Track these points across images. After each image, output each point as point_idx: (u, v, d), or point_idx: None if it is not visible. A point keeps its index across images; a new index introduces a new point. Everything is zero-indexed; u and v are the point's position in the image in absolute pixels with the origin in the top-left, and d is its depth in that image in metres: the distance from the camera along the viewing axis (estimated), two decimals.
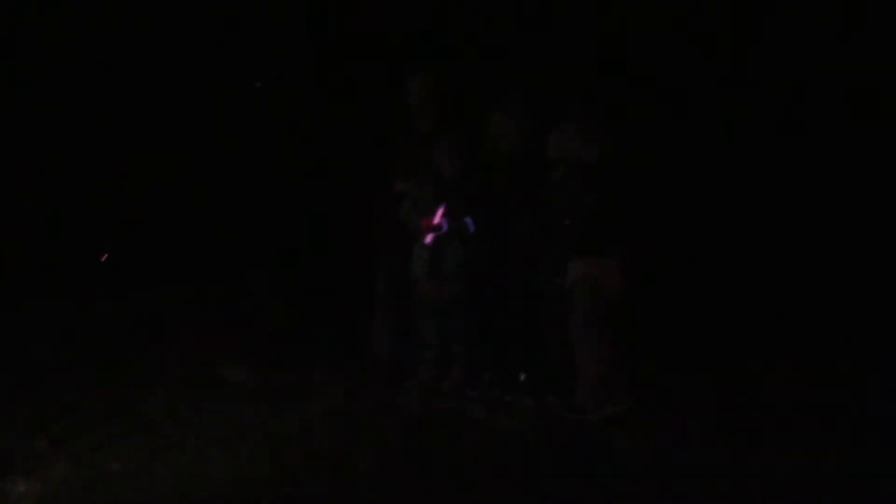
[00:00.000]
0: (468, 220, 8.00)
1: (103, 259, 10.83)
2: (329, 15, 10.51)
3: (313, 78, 10.67)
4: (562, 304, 7.48)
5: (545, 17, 9.46)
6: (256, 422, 7.00)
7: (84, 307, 9.93)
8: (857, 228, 8.75)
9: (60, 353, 8.56)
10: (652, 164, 8.39)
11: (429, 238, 8.08)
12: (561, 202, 7.42)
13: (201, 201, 10.85)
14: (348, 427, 6.95)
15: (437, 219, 8.02)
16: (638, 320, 7.62)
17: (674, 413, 7.32)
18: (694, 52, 9.09)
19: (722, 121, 9.18)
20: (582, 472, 6.18)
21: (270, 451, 6.41)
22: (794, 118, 8.98)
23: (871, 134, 8.72)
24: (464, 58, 9.29)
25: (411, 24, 9.77)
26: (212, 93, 10.72)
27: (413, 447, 6.66)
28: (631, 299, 7.38)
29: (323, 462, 6.27)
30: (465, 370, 8.05)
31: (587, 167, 7.33)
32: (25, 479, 5.84)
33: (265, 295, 10.34)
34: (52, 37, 10.66)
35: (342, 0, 10.39)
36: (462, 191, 8.04)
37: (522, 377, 7.83)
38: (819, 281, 8.76)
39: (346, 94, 10.28)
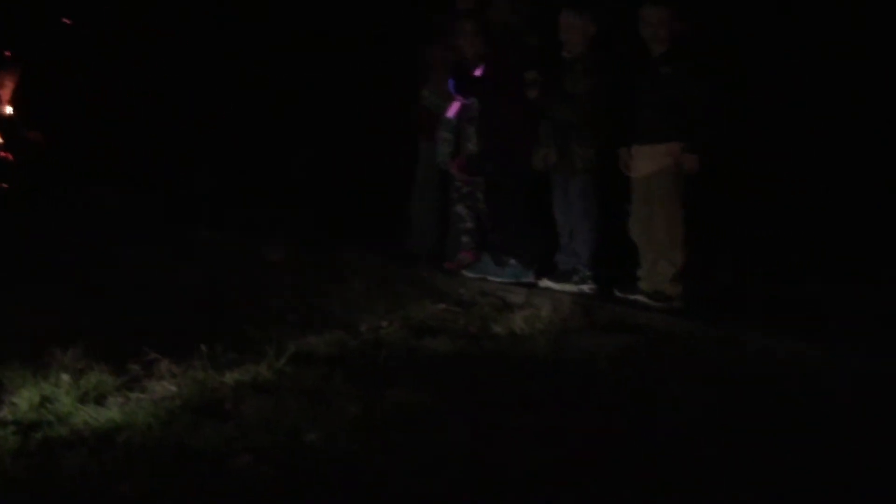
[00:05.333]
0: (450, 82, 8.01)
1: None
2: None
3: None
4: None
5: None
6: (297, 300, 7.06)
7: (132, 189, 10.01)
8: None
9: (108, 234, 8.63)
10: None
11: (452, 110, 8.09)
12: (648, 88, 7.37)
13: (245, 84, 10.91)
14: (386, 307, 7.02)
15: (478, 71, 8.02)
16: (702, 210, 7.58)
17: (730, 302, 7.37)
18: None
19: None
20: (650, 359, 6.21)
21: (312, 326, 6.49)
22: None
23: None
24: None
25: None
26: None
27: (450, 328, 6.75)
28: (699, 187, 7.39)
29: (360, 338, 6.37)
30: (495, 255, 7.97)
31: (672, 51, 7.29)
32: None
33: (305, 178, 10.41)
34: None
35: None
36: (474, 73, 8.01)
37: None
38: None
39: None
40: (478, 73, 7.99)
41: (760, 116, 8.42)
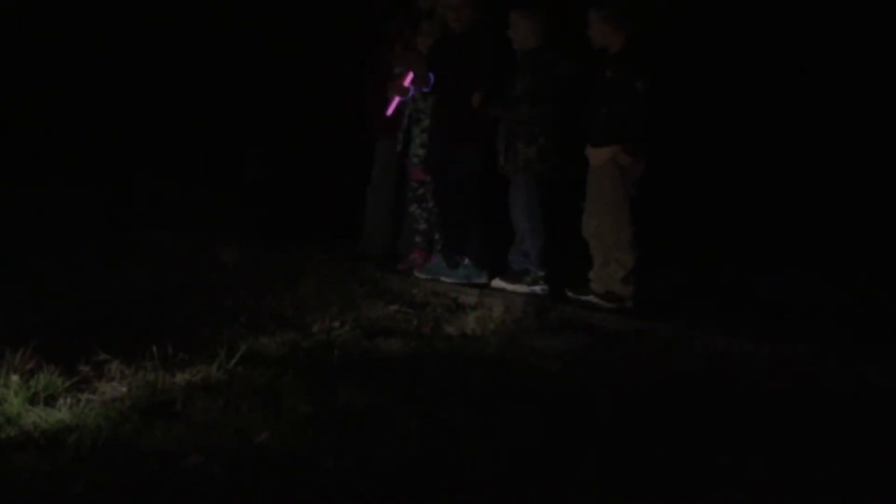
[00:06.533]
0: (430, 73, 8.02)
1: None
2: None
3: None
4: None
5: None
6: (249, 300, 7.06)
7: (79, 189, 9.93)
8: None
9: (57, 234, 8.57)
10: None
11: (392, 106, 8.13)
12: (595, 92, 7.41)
13: (194, 82, 10.85)
14: (339, 307, 7.03)
15: (406, 81, 8.07)
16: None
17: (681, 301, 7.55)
18: None
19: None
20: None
21: (263, 326, 6.48)
22: None
23: None
24: None
25: None
26: None
27: (402, 329, 6.77)
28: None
29: (312, 338, 6.38)
30: (447, 255, 7.98)
31: (617, 55, 7.32)
32: None
33: (258, 177, 10.38)
34: None
35: None
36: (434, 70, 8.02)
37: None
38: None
39: None
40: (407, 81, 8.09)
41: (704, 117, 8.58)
